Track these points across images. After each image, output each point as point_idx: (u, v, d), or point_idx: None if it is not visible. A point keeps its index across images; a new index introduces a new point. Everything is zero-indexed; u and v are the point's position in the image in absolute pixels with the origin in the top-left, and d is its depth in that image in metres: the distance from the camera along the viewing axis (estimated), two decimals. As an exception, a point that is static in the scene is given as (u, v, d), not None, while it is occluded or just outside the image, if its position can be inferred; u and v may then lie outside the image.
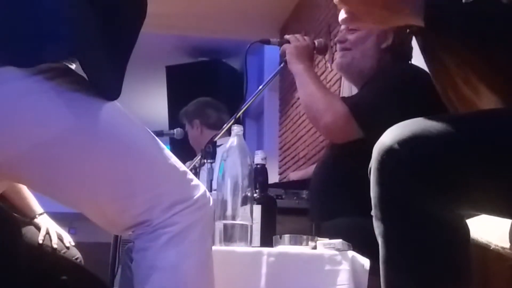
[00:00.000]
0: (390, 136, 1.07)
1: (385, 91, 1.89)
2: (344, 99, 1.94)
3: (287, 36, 2.10)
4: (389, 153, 1.05)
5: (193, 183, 1.25)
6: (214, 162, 2.09)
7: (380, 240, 1.09)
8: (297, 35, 2.10)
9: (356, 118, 1.85)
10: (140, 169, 1.20)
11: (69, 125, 1.13)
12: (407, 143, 1.04)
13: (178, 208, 1.18)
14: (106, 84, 1.18)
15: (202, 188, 1.25)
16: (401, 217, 1.06)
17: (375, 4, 1.15)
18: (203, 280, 1.22)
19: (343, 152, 1.95)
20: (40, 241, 2.14)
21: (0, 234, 1.75)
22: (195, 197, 1.21)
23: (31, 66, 1.11)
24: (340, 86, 4.00)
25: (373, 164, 1.08)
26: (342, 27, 2.12)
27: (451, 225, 1.05)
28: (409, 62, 2.07)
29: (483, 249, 1.21)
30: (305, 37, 2.09)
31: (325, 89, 2.00)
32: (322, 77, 4.46)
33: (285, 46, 2.09)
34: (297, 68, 2.04)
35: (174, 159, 1.25)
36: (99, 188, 1.18)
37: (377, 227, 1.09)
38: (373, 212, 1.10)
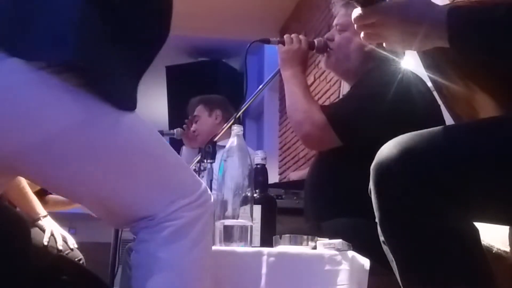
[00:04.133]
0: (385, 157, 1.07)
1: (362, 98, 1.90)
2: (324, 107, 1.95)
3: (285, 37, 2.09)
4: (386, 177, 1.05)
5: (195, 179, 1.27)
6: (214, 162, 2.08)
7: (392, 263, 1.10)
8: (293, 36, 2.08)
9: (333, 127, 1.87)
10: (144, 165, 1.21)
11: (75, 120, 1.14)
12: (403, 164, 1.04)
13: (181, 203, 1.20)
14: (118, 94, 1.19)
15: (204, 184, 1.27)
16: (407, 238, 1.06)
17: (401, 32, 1.14)
18: (203, 274, 1.23)
19: (336, 152, 1.94)
20: (45, 243, 2.16)
21: (12, 234, 1.76)
22: (197, 193, 1.23)
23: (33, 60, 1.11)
24: (340, 86, 4.01)
25: (372, 187, 1.09)
26: (334, 23, 2.11)
27: (462, 232, 1.05)
28: (400, 63, 2.06)
29: (485, 251, 1.21)
30: (302, 37, 2.08)
31: (306, 98, 1.98)
32: (322, 77, 4.47)
33: (278, 49, 2.08)
34: (284, 74, 2.04)
35: (176, 155, 1.28)
36: (103, 184, 1.18)
37: (386, 251, 1.10)
38: (380, 238, 1.10)
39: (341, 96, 3.93)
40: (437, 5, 1.12)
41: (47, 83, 1.12)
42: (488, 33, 1.07)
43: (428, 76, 1.34)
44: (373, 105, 1.84)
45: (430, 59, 1.29)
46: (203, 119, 3.50)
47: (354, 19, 1.18)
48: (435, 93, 1.88)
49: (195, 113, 3.52)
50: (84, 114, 1.14)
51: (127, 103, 1.21)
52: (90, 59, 1.15)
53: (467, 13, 1.08)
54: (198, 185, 1.25)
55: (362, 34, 1.20)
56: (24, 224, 1.88)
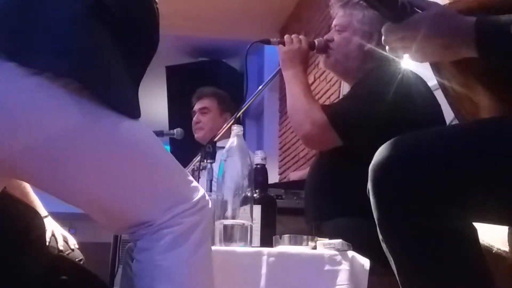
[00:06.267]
0: (384, 157, 1.07)
1: (362, 98, 1.90)
2: (325, 107, 1.95)
3: (285, 37, 2.09)
4: (384, 178, 1.05)
5: (193, 184, 1.27)
6: (214, 162, 2.08)
7: (391, 262, 1.10)
8: (293, 36, 2.08)
9: (334, 127, 1.86)
10: (143, 170, 1.21)
11: (74, 123, 1.14)
12: (402, 164, 1.04)
13: (180, 209, 1.20)
14: (118, 99, 1.19)
15: (202, 190, 1.27)
16: (406, 238, 1.06)
17: (431, 47, 1.14)
18: (206, 280, 1.23)
19: (337, 152, 1.95)
20: (47, 243, 2.16)
21: (30, 226, 1.77)
22: (195, 199, 1.23)
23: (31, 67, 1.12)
24: (340, 86, 4.01)
25: (370, 187, 1.09)
26: (333, 24, 2.11)
27: (460, 232, 1.05)
28: (400, 63, 2.06)
29: (485, 251, 1.22)
30: (302, 38, 2.08)
31: (307, 98, 1.99)
32: (322, 77, 4.47)
33: (278, 49, 2.08)
34: (286, 74, 2.05)
35: (175, 161, 1.27)
36: (101, 188, 1.18)
37: (386, 250, 1.10)
38: (379, 236, 1.10)
39: (341, 96, 3.94)
40: (465, 18, 1.12)
41: (46, 87, 1.12)
42: None
43: (435, 76, 1.34)
44: (374, 104, 1.84)
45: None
46: (214, 116, 3.38)
47: (383, 33, 1.18)
48: (435, 93, 1.89)
49: (205, 105, 3.40)
50: (82, 118, 1.14)
51: (130, 109, 1.21)
52: (90, 69, 1.16)
53: (495, 23, 1.08)
54: (195, 190, 1.25)
55: (387, 47, 1.20)
56: (40, 216, 1.90)
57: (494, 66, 1.14)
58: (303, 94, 1.98)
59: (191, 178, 1.28)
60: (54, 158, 1.15)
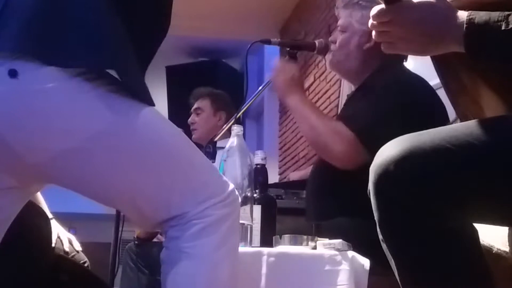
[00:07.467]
0: (385, 157, 1.07)
1: (387, 110, 1.87)
2: (346, 122, 1.89)
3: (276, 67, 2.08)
4: (385, 177, 1.05)
5: (223, 179, 1.29)
6: (214, 162, 2.09)
7: (391, 262, 1.10)
8: (282, 63, 2.09)
9: (364, 143, 1.83)
10: (175, 165, 1.23)
11: (108, 124, 1.16)
12: (403, 164, 1.04)
13: (212, 202, 1.22)
14: (143, 90, 1.21)
15: (231, 184, 1.29)
16: (406, 239, 1.06)
17: (418, 34, 1.13)
18: (230, 272, 1.24)
19: None
20: (53, 245, 2.17)
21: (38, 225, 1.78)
22: (226, 192, 1.25)
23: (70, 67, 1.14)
24: (340, 86, 4.01)
25: (371, 187, 1.08)
26: (338, 25, 2.13)
27: (460, 232, 1.05)
28: (402, 62, 2.07)
29: (485, 251, 1.22)
30: (290, 62, 2.07)
31: (325, 118, 1.97)
32: (322, 77, 4.47)
33: (272, 80, 2.07)
34: (291, 102, 2.02)
35: (203, 156, 1.31)
36: (134, 185, 1.20)
37: (386, 250, 1.10)
38: (379, 236, 1.10)
39: (341, 96, 3.94)
40: (458, 11, 1.11)
41: (81, 90, 1.14)
42: (507, 42, 1.07)
43: (437, 74, 1.34)
44: (399, 116, 1.81)
45: (438, 57, 1.29)
46: (206, 115, 3.42)
47: (372, 16, 1.17)
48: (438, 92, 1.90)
49: (199, 106, 3.44)
50: (116, 118, 1.16)
51: (151, 99, 1.23)
52: (121, 63, 1.18)
53: (486, 23, 1.08)
54: (226, 184, 1.27)
55: (374, 33, 1.19)
56: (47, 217, 1.90)
57: (482, 61, 1.13)
58: (317, 116, 1.96)
59: (219, 172, 1.30)
60: (87, 161, 1.16)
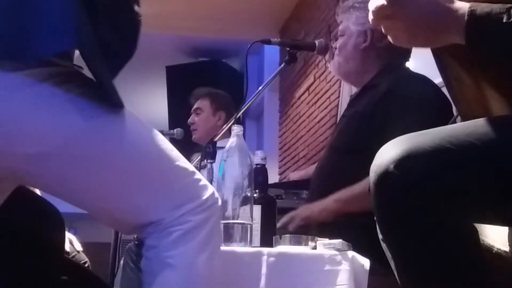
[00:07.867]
0: (385, 157, 1.06)
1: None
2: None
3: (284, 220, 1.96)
4: (385, 177, 1.05)
5: (201, 183, 1.26)
6: (214, 162, 2.08)
7: (391, 262, 1.10)
8: (292, 217, 1.96)
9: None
10: (149, 170, 1.21)
11: (80, 129, 1.14)
12: (403, 164, 1.03)
13: (188, 208, 1.20)
14: (114, 91, 1.18)
15: (211, 188, 1.27)
16: (406, 239, 1.06)
17: (419, 27, 1.12)
18: (211, 277, 1.23)
19: (344, 152, 1.95)
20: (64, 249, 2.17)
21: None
22: (204, 197, 1.23)
23: (34, 59, 1.11)
24: (340, 86, 4.01)
25: (371, 187, 1.08)
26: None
27: (460, 232, 1.05)
28: (405, 61, 2.08)
29: (485, 251, 1.21)
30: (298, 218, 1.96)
31: (353, 190, 1.88)
32: (322, 77, 4.47)
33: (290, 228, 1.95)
34: (318, 218, 1.92)
35: (183, 160, 1.27)
36: (106, 190, 1.19)
37: (386, 250, 1.10)
38: (379, 236, 1.10)
39: (341, 96, 3.94)
40: (461, 3, 1.10)
41: (50, 94, 1.12)
42: (508, 34, 1.06)
43: (440, 73, 1.33)
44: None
45: (440, 55, 1.29)
46: (206, 115, 3.42)
47: (372, 10, 1.15)
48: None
49: (198, 106, 3.45)
50: (88, 122, 1.14)
51: (121, 102, 1.19)
52: (89, 47, 1.14)
53: (487, 15, 1.07)
54: (205, 188, 1.25)
55: (371, 20, 1.18)
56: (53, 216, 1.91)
57: (482, 54, 1.13)
58: (339, 201, 1.90)
59: (199, 176, 1.28)
60: (59, 166, 1.15)
